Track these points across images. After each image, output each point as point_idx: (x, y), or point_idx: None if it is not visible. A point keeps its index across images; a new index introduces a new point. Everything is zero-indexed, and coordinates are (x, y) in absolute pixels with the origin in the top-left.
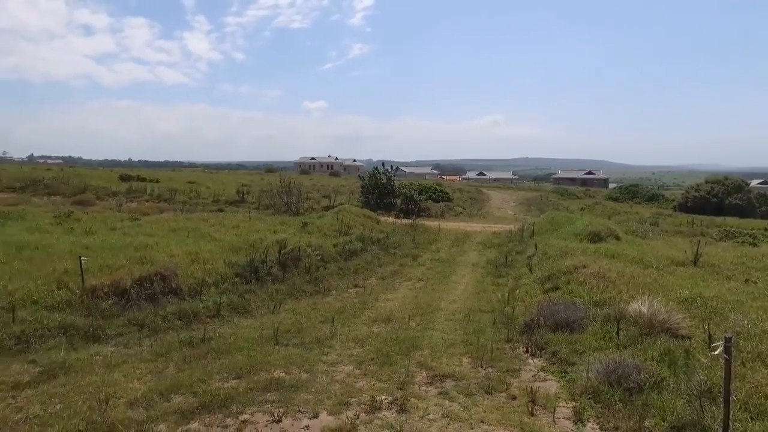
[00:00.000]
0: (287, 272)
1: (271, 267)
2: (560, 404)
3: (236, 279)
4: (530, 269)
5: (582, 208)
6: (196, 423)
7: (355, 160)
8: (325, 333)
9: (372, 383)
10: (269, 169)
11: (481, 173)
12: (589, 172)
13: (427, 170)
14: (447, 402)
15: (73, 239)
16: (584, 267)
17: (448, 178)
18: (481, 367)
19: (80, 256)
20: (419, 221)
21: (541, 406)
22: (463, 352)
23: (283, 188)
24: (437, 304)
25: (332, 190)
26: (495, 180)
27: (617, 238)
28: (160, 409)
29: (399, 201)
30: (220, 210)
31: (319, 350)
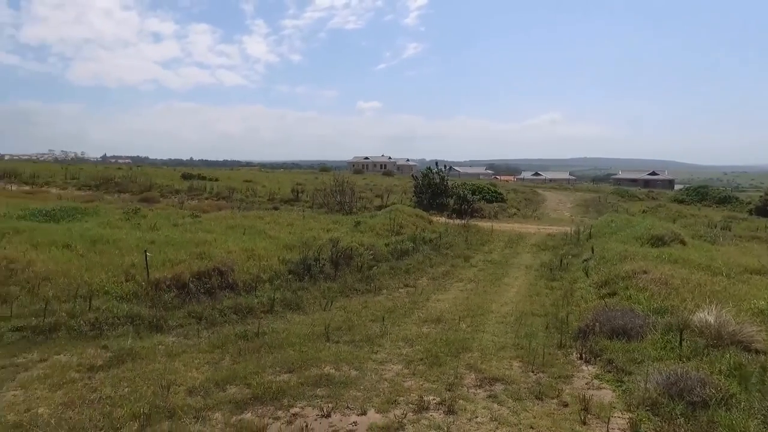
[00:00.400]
0: (339, 270)
1: (324, 265)
2: (615, 414)
3: (290, 276)
4: (586, 273)
5: (644, 211)
6: (250, 413)
7: (408, 160)
8: (375, 331)
9: (420, 383)
10: (323, 168)
11: (536, 173)
12: (653, 173)
13: (481, 170)
14: (496, 405)
15: (139, 234)
16: (645, 272)
17: (503, 178)
18: (532, 371)
19: (145, 251)
20: (472, 222)
21: (594, 415)
22: (513, 356)
23: (337, 187)
24: (488, 306)
25: (385, 190)
26: (551, 180)
27: (682, 242)
28: (216, 398)
29: (452, 201)
30: (276, 208)
31: (369, 348)
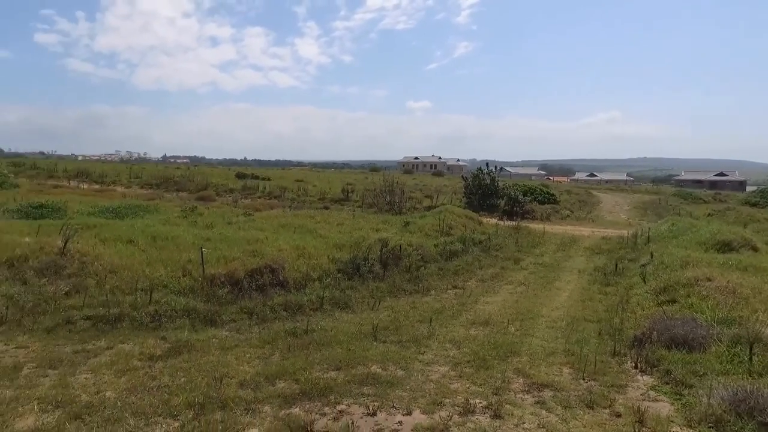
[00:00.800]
0: (388, 270)
1: (373, 265)
2: (673, 429)
3: (339, 275)
4: (643, 279)
5: (709, 214)
6: (297, 408)
7: (458, 160)
8: (422, 332)
9: (467, 386)
10: (373, 168)
11: (591, 174)
12: (721, 173)
13: (533, 171)
14: (544, 412)
15: (196, 231)
16: (709, 280)
17: (556, 179)
18: (583, 379)
19: (201, 248)
20: (523, 224)
21: (649, 428)
22: (563, 362)
23: (387, 187)
24: (538, 310)
25: (435, 190)
26: (607, 182)
27: (754, 248)
28: (266, 391)
29: (503, 202)
30: (326, 208)
31: (416, 349)
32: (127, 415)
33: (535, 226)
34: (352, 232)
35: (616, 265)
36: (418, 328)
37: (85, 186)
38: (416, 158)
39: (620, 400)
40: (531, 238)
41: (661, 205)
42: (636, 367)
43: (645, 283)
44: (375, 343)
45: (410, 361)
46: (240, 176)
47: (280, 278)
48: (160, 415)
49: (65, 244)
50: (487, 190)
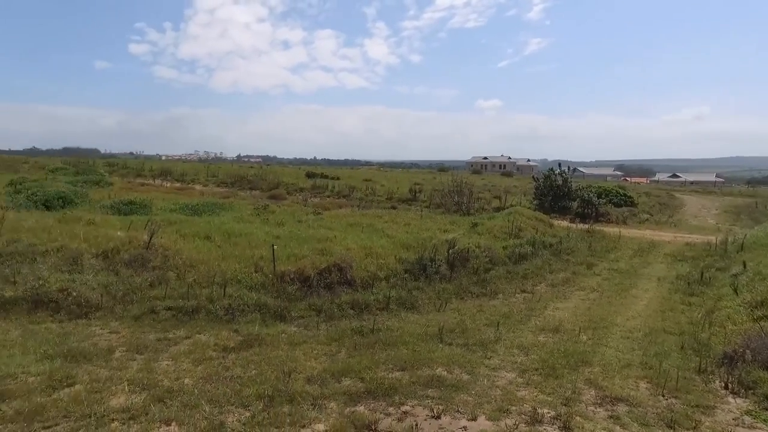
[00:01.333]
0: (455, 272)
1: (440, 266)
2: None
3: (405, 275)
4: (735, 290)
5: None
6: (362, 406)
7: (528, 160)
8: (489, 336)
9: (535, 394)
10: (441, 168)
11: (674, 175)
12: None
13: (609, 171)
14: (618, 428)
15: (267, 229)
16: None
17: (633, 180)
18: (663, 395)
19: (273, 245)
20: (597, 227)
21: None
22: (640, 376)
23: (455, 188)
24: (613, 318)
25: (504, 191)
26: (692, 183)
27: None
28: (331, 388)
29: (575, 204)
30: (393, 207)
31: (482, 353)
32: (203, 402)
33: (610, 229)
34: (419, 233)
35: (702, 274)
36: (485, 331)
37: (168, 184)
38: (485, 158)
39: (707, 423)
40: (605, 243)
41: (758, 209)
42: (726, 388)
43: (737, 295)
44: (440, 345)
45: (476, 365)
46: (310, 175)
47: (348, 277)
48: (232, 404)
49: (150, 238)
50: (559, 191)
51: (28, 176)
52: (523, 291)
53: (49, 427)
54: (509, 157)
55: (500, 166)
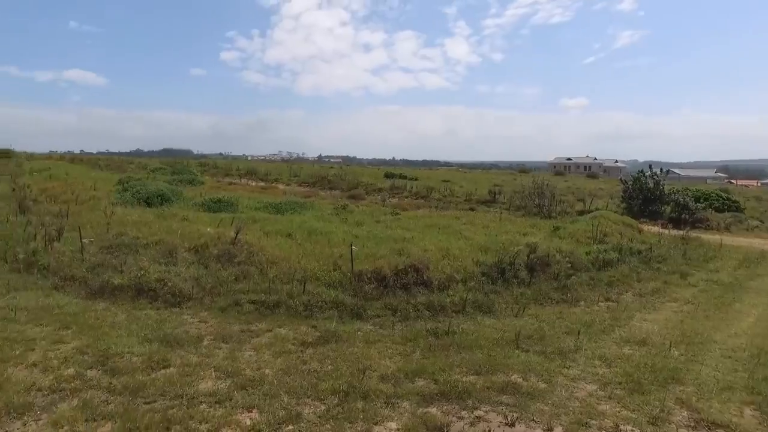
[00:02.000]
0: (534, 277)
1: (518, 270)
2: None
3: (483, 278)
4: None
5: None
6: (435, 408)
7: (616, 161)
8: (568, 345)
9: (617, 409)
10: (522, 169)
11: None
12: None
13: (710, 173)
14: None
15: (346, 228)
16: None
17: (740, 182)
18: None
19: (351, 244)
20: (693, 233)
21: None
22: (745, 401)
23: (536, 190)
24: (710, 335)
25: (588, 194)
26: None
27: None
28: (405, 388)
29: (668, 209)
30: (472, 209)
31: (561, 362)
32: (282, 392)
33: (710, 237)
34: (498, 235)
35: None
36: (564, 340)
37: (253, 183)
38: (569, 159)
39: None
40: (703, 251)
41: None
42: None
43: None
44: (517, 351)
45: (554, 374)
46: (389, 176)
47: (424, 278)
48: (309, 397)
49: (236, 235)
50: (650, 194)
51: (133, 176)
52: (607, 299)
53: (148, 403)
54: (595, 158)
55: (585, 167)
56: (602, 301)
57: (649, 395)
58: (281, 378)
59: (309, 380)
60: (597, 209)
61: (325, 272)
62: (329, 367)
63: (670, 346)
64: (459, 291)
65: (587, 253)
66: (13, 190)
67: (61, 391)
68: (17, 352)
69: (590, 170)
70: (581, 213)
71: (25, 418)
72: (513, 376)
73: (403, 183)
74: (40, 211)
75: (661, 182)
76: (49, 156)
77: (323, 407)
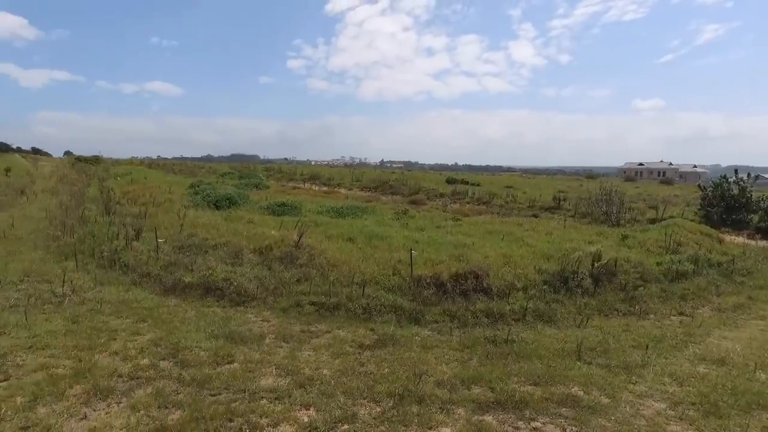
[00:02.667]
0: (599, 287)
1: (582, 279)
2: None
3: (544, 286)
4: None
5: None
6: (490, 417)
7: (695, 166)
8: (635, 359)
9: None
10: (590, 175)
11: None
12: None
13: None
14: None
15: (406, 233)
16: None
17: None
18: None
19: (411, 249)
20: None
21: None
22: None
23: (603, 196)
24: None
25: (662, 201)
26: None
27: None
28: (460, 394)
29: (756, 218)
30: (535, 215)
31: (626, 377)
32: (338, 392)
33: None
34: (561, 243)
35: None
36: (631, 354)
37: (316, 188)
38: (641, 164)
39: None
40: None
41: None
42: None
43: None
44: (578, 363)
45: (618, 389)
46: (450, 181)
47: (484, 285)
48: (365, 398)
49: (299, 238)
50: (734, 202)
51: (204, 180)
52: (681, 313)
53: (213, 395)
54: (670, 163)
55: (659, 173)
56: (674, 315)
57: (728, 420)
58: (338, 378)
59: (365, 382)
60: (671, 217)
61: (385, 276)
62: (386, 370)
63: (756, 369)
64: (519, 299)
65: (658, 264)
66: (101, 193)
67: (137, 378)
68: (102, 341)
69: (664, 176)
70: (653, 221)
71: (109, 400)
72: (573, 389)
73: (464, 188)
74: (122, 212)
75: (747, 188)
76: (131, 161)
77: (378, 409)
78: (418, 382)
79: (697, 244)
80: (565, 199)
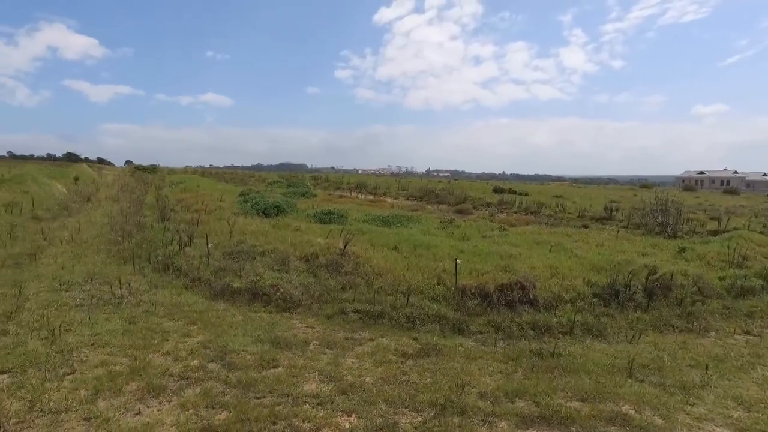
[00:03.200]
0: (653, 301)
1: (635, 292)
2: None
3: (594, 299)
4: None
5: None
6: (534, 431)
7: (765, 174)
8: (693, 380)
9: None
10: (644, 184)
11: None
12: None
13: None
14: None
15: (452, 243)
16: None
17: None
18: None
19: (456, 258)
20: None
21: None
22: None
23: (658, 206)
24: None
25: (725, 211)
26: None
27: None
28: (504, 407)
29: None
30: (585, 226)
31: (683, 397)
32: (380, 400)
33: None
34: (613, 255)
35: None
36: (688, 373)
37: (362, 197)
38: (701, 173)
39: None
40: None
41: None
42: None
43: None
44: (629, 381)
45: (674, 410)
46: (497, 190)
47: (530, 296)
48: (406, 407)
49: (345, 246)
50: None
51: (254, 188)
52: (746, 332)
53: (258, 398)
54: (735, 171)
55: (722, 182)
56: (739, 334)
57: None
58: (381, 386)
59: (407, 391)
60: (735, 229)
61: (429, 285)
62: (428, 379)
63: None
64: (567, 311)
65: (721, 279)
66: (157, 200)
67: (187, 378)
68: (156, 341)
69: (728, 185)
70: (714, 233)
71: (161, 398)
72: (624, 407)
73: (512, 198)
74: (176, 219)
75: None
76: (185, 170)
77: (420, 418)
78: (461, 393)
79: (765, 257)
80: (617, 210)
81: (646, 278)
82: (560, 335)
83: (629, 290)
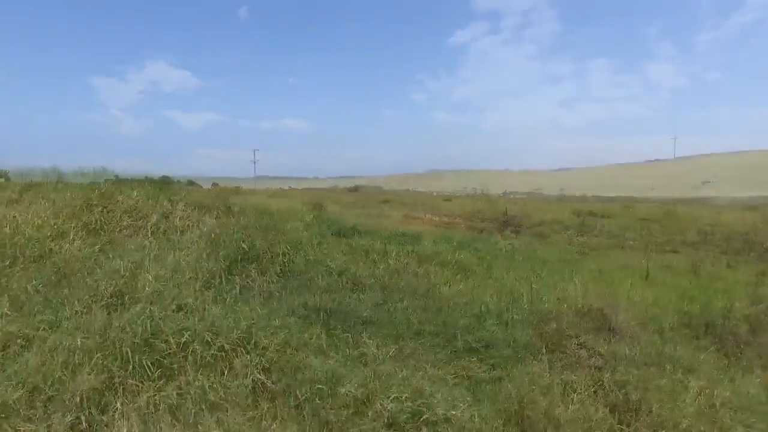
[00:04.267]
0: (758, 335)
1: (735, 325)
2: None
3: (685, 330)
4: None
5: None
6: None
7: None
8: None
9: None
10: (748, 206)
11: None
12: None
13: None
14: None
15: (528, 266)
16: None
17: None
18: None
19: (531, 283)
20: None
21: None
22: None
23: (765, 229)
24: None
25: None
26: None
27: None
28: None
29: None
30: (675, 251)
31: None
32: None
33: None
34: (708, 282)
35: None
36: None
37: (437, 218)
38: None
39: None
40: None
41: None
42: None
43: None
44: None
45: None
46: (577, 213)
47: (612, 324)
48: None
49: (417, 268)
50: None
51: (330, 209)
52: None
53: None
54: None
55: None
56: None
57: None
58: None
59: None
60: None
61: (503, 309)
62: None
63: None
64: (654, 342)
65: None
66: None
67: None
68: None
69: None
70: None
71: None
72: None
73: (593, 221)
74: None
75: None
76: (265, 191)
77: None
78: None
79: None
80: (712, 233)
81: (750, 309)
82: (644, 366)
83: (728, 322)
